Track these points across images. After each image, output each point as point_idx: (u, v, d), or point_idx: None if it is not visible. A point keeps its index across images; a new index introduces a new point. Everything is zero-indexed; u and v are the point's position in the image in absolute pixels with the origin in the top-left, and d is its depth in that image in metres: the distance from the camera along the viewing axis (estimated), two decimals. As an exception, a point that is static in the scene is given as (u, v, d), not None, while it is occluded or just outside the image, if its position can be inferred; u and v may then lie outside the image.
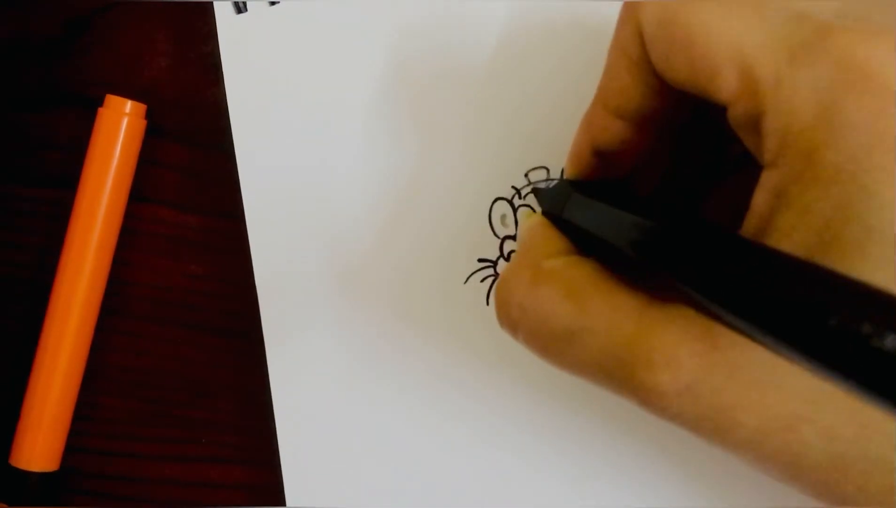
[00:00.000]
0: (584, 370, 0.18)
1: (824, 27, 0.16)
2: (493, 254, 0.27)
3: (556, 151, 0.26)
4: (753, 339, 0.14)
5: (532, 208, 0.27)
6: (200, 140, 0.29)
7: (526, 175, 0.27)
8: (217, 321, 0.29)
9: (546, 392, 0.27)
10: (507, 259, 0.27)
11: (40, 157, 0.29)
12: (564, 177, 0.22)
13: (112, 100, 0.28)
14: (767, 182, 0.16)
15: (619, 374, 0.17)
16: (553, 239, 0.20)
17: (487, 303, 0.27)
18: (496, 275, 0.27)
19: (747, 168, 0.18)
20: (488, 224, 0.27)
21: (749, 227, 0.17)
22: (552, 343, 0.18)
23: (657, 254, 0.17)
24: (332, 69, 0.27)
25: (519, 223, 0.23)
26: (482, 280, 0.27)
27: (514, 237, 0.27)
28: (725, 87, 0.17)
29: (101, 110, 0.28)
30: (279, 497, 0.28)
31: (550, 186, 0.24)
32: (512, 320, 0.20)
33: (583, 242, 0.20)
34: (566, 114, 0.26)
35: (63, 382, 0.28)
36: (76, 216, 0.27)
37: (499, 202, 0.27)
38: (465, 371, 0.27)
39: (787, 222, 0.15)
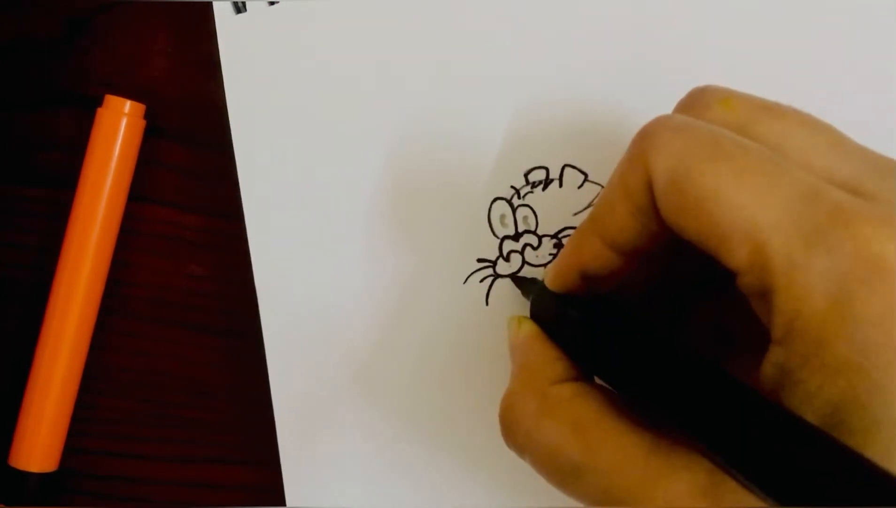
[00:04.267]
0: (589, 503, 0.18)
1: (838, 211, 0.15)
2: (492, 254, 0.27)
3: (555, 151, 0.26)
4: (764, 499, 0.14)
5: (522, 280, 0.26)
6: (200, 140, 0.29)
7: (525, 175, 0.26)
8: (217, 321, 0.29)
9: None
10: (507, 259, 0.27)
11: (40, 157, 0.29)
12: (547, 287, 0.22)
13: (111, 100, 0.28)
14: (775, 357, 0.16)
15: None
16: (554, 360, 0.21)
17: (487, 303, 0.27)
18: (495, 275, 0.27)
19: (732, 289, 0.17)
20: (487, 224, 0.27)
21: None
22: (558, 475, 0.19)
23: (669, 401, 0.17)
24: (331, 69, 0.27)
25: (509, 329, 0.23)
26: (481, 280, 0.27)
27: (513, 237, 0.27)
28: (736, 257, 0.16)
29: (100, 110, 0.28)
30: (279, 497, 0.28)
31: (533, 287, 0.24)
32: (518, 444, 0.20)
33: (579, 354, 0.20)
34: (566, 114, 0.26)
35: (62, 382, 0.28)
36: (75, 216, 0.27)
37: (497, 202, 0.27)
38: (465, 372, 0.27)
39: (793, 402, 0.15)
